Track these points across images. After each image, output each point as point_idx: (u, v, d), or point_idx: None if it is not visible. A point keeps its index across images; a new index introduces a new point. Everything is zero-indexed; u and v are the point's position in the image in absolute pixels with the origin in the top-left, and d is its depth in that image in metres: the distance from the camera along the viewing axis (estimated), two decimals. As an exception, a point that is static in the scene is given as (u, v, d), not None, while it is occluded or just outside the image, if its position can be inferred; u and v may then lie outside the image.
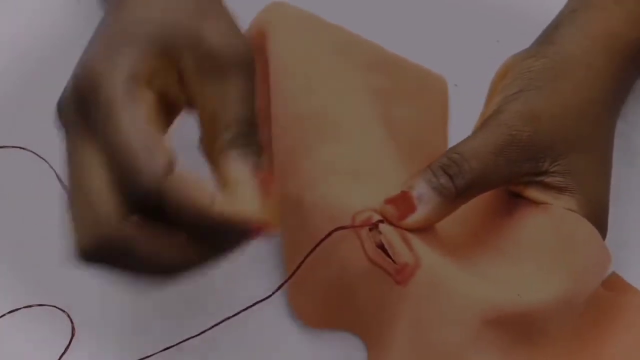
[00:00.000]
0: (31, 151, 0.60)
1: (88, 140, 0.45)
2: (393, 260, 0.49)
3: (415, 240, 0.50)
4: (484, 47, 0.64)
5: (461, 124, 0.55)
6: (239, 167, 0.46)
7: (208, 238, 0.45)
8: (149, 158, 0.43)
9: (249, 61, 0.48)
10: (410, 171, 0.52)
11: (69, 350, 0.55)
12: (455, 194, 0.50)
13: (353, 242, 0.50)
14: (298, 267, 0.51)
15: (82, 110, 0.46)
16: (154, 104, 0.46)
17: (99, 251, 0.44)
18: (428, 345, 0.49)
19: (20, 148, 0.61)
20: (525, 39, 0.58)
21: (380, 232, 0.50)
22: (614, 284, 0.57)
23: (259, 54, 0.57)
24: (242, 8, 0.57)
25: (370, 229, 0.50)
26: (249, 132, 0.47)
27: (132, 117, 0.44)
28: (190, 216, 0.44)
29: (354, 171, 0.52)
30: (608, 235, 0.53)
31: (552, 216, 0.51)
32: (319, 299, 0.54)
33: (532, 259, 0.50)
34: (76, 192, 0.45)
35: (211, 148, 0.47)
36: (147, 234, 0.44)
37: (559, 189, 0.52)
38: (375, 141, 0.54)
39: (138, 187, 0.43)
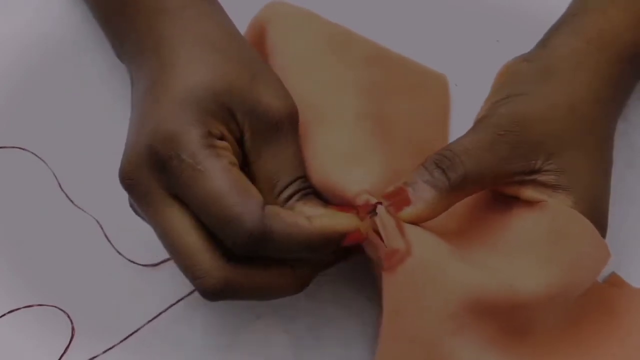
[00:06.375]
0: (31, 151, 0.60)
1: (169, 200, 0.49)
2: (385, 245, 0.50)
3: (410, 229, 0.50)
4: (484, 47, 0.64)
5: (461, 124, 0.55)
6: (307, 207, 0.51)
7: (312, 254, 0.49)
8: (246, 202, 0.47)
9: (296, 118, 0.52)
10: (403, 164, 0.52)
11: (68, 350, 0.55)
12: (449, 187, 0.50)
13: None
14: None
15: (161, 172, 0.48)
16: (231, 153, 0.49)
17: (214, 297, 0.49)
18: (411, 334, 0.49)
19: (20, 148, 0.61)
20: (525, 39, 0.58)
21: (376, 213, 0.50)
22: (613, 283, 0.56)
23: (259, 50, 0.57)
24: (242, 7, 0.58)
25: (369, 212, 0.51)
26: (306, 186, 0.51)
27: (220, 168, 0.48)
28: (297, 237, 0.47)
29: (345, 157, 0.53)
30: (608, 236, 0.53)
31: (547, 212, 0.51)
32: None
33: (526, 253, 0.50)
34: (176, 254, 0.49)
35: (271, 203, 0.50)
36: (250, 273, 0.49)
37: (553, 187, 0.52)
38: (361, 132, 0.54)
39: (243, 233, 0.47)
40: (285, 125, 0.51)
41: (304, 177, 0.51)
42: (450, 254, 0.50)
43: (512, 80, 0.55)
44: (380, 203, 0.51)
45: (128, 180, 0.49)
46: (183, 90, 0.50)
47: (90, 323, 0.56)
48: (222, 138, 0.50)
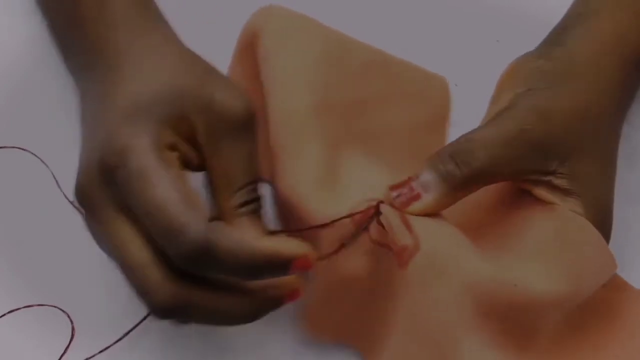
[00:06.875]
0: (30, 152, 0.60)
1: (119, 215, 0.47)
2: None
3: (417, 223, 0.50)
4: (484, 47, 0.64)
5: (461, 124, 0.55)
6: (252, 228, 0.49)
7: (257, 276, 0.47)
8: (191, 213, 0.46)
9: (253, 118, 0.50)
10: (400, 176, 0.52)
11: (69, 350, 0.55)
12: (461, 182, 0.50)
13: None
14: None
15: (111, 186, 0.47)
16: (180, 165, 0.49)
17: (165, 314, 0.47)
18: (423, 329, 0.49)
19: (20, 148, 0.61)
20: (525, 39, 0.58)
21: (381, 213, 0.50)
22: (614, 285, 0.56)
23: (251, 55, 0.56)
24: (238, 10, 0.58)
25: (374, 214, 0.50)
26: (256, 193, 0.50)
27: (167, 178, 0.46)
28: (241, 255, 0.46)
29: (320, 180, 0.52)
30: (608, 236, 0.53)
31: (558, 217, 0.51)
32: (318, 305, 0.54)
33: (534, 256, 0.50)
34: (126, 269, 0.48)
35: (225, 205, 0.50)
36: (201, 292, 0.47)
37: (565, 192, 0.52)
38: (340, 157, 0.54)
39: (186, 243, 0.45)
40: (241, 124, 0.50)
41: (255, 182, 0.50)
42: (462, 243, 0.50)
43: (534, 75, 0.54)
44: (382, 202, 0.50)
45: (80, 196, 0.49)
46: (130, 100, 0.49)
47: (90, 323, 0.56)
48: (173, 147, 0.49)
